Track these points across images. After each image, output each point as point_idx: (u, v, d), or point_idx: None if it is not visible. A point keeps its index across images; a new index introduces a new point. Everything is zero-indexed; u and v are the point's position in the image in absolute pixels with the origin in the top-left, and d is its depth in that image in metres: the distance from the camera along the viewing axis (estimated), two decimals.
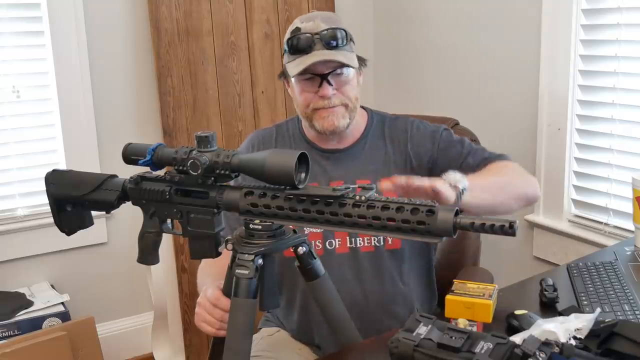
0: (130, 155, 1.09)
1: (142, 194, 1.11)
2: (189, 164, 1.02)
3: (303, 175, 0.99)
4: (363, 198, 0.94)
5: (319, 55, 1.34)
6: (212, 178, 1.05)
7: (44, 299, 2.24)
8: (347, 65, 1.37)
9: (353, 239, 1.43)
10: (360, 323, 1.36)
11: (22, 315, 2.14)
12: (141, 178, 1.12)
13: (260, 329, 1.57)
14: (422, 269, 1.53)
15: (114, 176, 1.17)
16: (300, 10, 2.62)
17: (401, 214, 0.91)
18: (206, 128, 2.50)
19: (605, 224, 1.97)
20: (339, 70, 1.38)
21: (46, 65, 2.33)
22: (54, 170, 1.20)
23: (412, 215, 0.90)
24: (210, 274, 1.37)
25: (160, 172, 1.12)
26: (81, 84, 2.37)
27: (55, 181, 1.18)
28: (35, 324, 2.13)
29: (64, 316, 2.19)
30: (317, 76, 1.37)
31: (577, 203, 2.09)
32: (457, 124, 1.84)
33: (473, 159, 1.43)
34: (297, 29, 1.38)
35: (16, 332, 2.10)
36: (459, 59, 2.45)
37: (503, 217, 0.89)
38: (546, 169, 2.13)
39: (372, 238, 1.43)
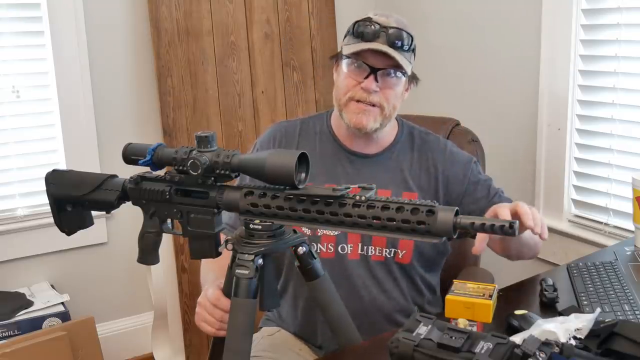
0: (130, 155, 1.09)
1: (142, 194, 1.11)
2: (189, 164, 1.02)
3: (303, 175, 0.99)
4: (363, 198, 0.94)
5: (379, 46, 1.32)
6: (212, 178, 1.05)
7: (44, 299, 2.24)
8: (401, 68, 1.34)
9: (365, 247, 1.42)
10: (364, 330, 1.36)
11: (22, 315, 2.14)
12: (141, 178, 1.12)
13: (261, 328, 1.57)
14: (430, 286, 1.52)
15: (114, 176, 1.17)
16: (300, 11, 2.62)
17: (401, 214, 0.91)
18: (206, 128, 2.50)
19: (605, 224, 1.97)
20: (391, 72, 1.35)
21: (46, 65, 2.33)
22: (54, 170, 1.20)
23: (412, 215, 0.90)
24: (213, 269, 1.37)
25: (160, 172, 1.12)
26: (81, 84, 2.37)
27: (55, 181, 1.18)
28: (35, 324, 2.13)
29: (64, 316, 2.19)
30: (369, 67, 1.35)
31: (577, 203, 2.09)
32: (457, 124, 1.84)
33: (498, 200, 1.43)
34: (369, 18, 1.36)
35: (16, 332, 2.10)
36: (459, 59, 2.45)
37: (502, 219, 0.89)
38: (546, 169, 2.13)
39: (383, 249, 1.42)
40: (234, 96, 2.55)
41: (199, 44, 2.46)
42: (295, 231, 1.11)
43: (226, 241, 1.09)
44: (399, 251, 1.42)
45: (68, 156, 2.38)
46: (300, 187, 0.97)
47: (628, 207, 1.76)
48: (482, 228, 0.87)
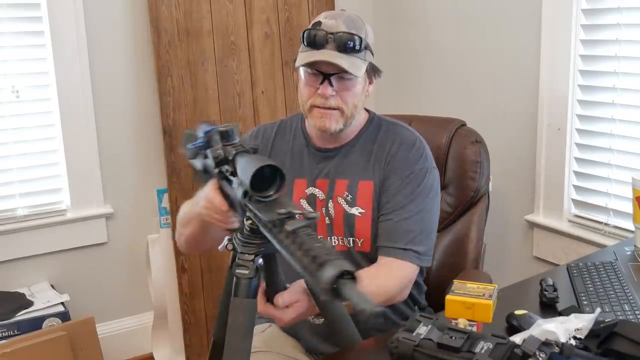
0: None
1: None
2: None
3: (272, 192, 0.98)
4: (290, 229, 0.89)
5: (326, 55, 1.34)
6: None
7: (44, 299, 2.23)
8: (348, 72, 1.35)
9: (330, 238, 1.44)
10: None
11: (22, 315, 2.14)
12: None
13: None
14: None
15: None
16: (300, 11, 2.62)
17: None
18: None
19: (605, 224, 1.97)
20: (345, 75, 1.37)
21: (46, 65, 2.33)
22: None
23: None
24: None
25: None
26: (81, 84, 2.37)
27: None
28: (35, 324, 2.13)
29: (64, 316, 2.19)
30: (321, 74, 1.37)
31: (577, 203, 2.09)
32: (463, 124, 1.84)
33: (392, 226, 1.39)
34: (318, 23, 1.38)
35: (16, 332, 2.10)
36: (459, 59, 2.45)
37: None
38: (546, 169, 2.13)
39: (343, 238, 1.44)
40: (234, 96, 2.55)
41: (199, 44, 2.46)
42: None
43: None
44: (357, 240, 1.43)
45: (68, 156, 2.37)
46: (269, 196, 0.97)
47: (628, 207, 1.76)
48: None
